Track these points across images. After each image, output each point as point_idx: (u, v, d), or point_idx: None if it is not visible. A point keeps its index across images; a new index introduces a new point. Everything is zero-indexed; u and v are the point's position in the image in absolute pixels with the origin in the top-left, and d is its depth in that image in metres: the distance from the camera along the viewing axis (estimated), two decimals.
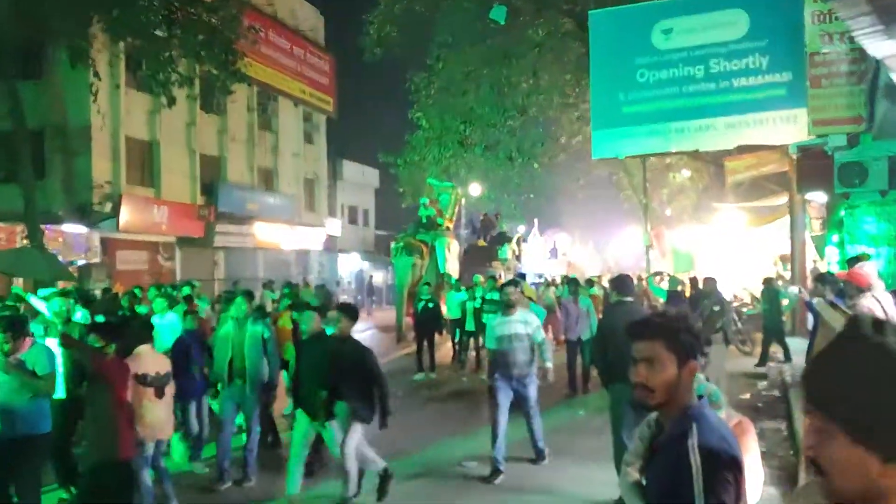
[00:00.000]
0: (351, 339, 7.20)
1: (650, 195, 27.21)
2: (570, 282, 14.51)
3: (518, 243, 30.55)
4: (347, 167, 43.98)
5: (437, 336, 15.72)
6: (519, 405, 8.44)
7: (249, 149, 32.49)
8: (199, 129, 28.86)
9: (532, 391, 8.39)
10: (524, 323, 8.42)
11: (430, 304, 15.32)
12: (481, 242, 29.52)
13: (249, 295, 8.81)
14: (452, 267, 23.17)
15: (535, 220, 38.31)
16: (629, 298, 7.45)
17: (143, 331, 7.15)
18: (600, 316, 14.87)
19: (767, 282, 15.65)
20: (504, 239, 29.24)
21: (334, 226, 40.88)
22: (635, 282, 18.59)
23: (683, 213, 33.32)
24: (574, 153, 28.25)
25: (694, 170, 30.48)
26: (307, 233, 36.59)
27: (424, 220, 23.74)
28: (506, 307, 8.55)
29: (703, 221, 28.80)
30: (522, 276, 20.06)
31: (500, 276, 26.71)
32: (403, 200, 30.63)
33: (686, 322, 2.59)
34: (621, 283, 7.56)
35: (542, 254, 37.25)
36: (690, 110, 16.12)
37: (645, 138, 16.82)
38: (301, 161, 36.99)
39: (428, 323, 15.25)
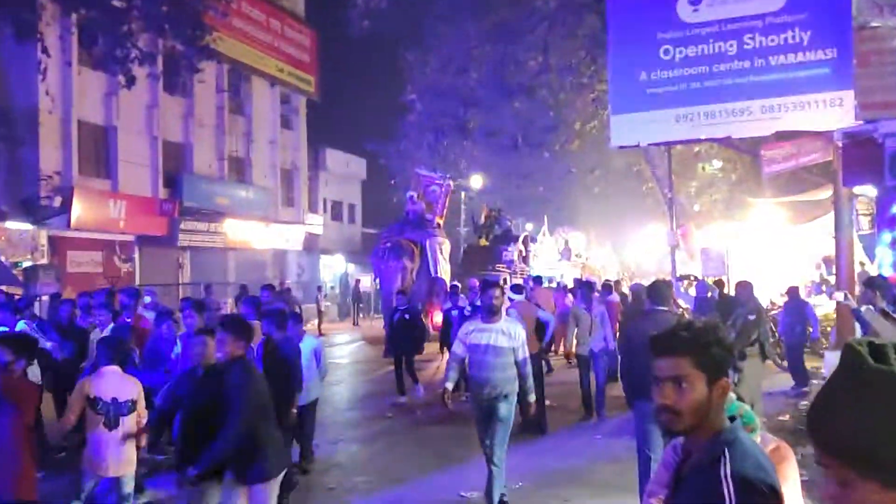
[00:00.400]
0: (237, 366, 5.76)
1: (676, 188, 27.16)
2: (583, 286, 14.43)
3: (525, 243, 30.59)
4: (331, 156, 44.01)
5: (417, 353, 15.23)
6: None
7: (219, 135, 32.51)
8: (161, 113, 28.87)
9: (504, 409, 7.66)
10: (508, 335, 7.71)
11: (407, 316, 14.77)
12: (483, 242, 29.55)
13: (199, 306, 8.78)
14: (445, 270, 23.24)
15: (545, 217, 38.31)
16: (664, 308, 7.51)
17: (111, 348, 6.87)
18: (618, 325, 14.99)
19: (792, 292, 15.76)
20: (509, 238, 29.27)
21: (316, 223, 40.88)
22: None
23: (714, 209, 33.28)
24: (589, 141, 28.26)
25: (726, 160, 30.51)
26: (285, 231, 36.61)
27: (412, 217, 23.76)
28: (488, 313, 7.75)
29: (736, 218, 28.78)
30: (538, 279, 19.74)
31: (503, 280, 26.79)
32: (395, 194, 30.74)
33: (717, 334, 2.57)
34: (656, 289, 7.71)
35: (553, 255, 37.22)
36: (722, 92, 16.14)
37: (670, 123, 16.83)
38: (278, 149, 37.00)
39: (403, 338, 14.69)
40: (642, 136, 17.74)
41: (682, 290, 18.00)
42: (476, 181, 32.19)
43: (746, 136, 17.69)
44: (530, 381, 7.83)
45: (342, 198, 46.63)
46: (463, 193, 33.18)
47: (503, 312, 8.00)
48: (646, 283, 21.22)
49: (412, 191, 25.24)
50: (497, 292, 7.81)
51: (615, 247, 57.16)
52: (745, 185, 30.11)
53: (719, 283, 18.85)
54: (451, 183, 26.08)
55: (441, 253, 23.23)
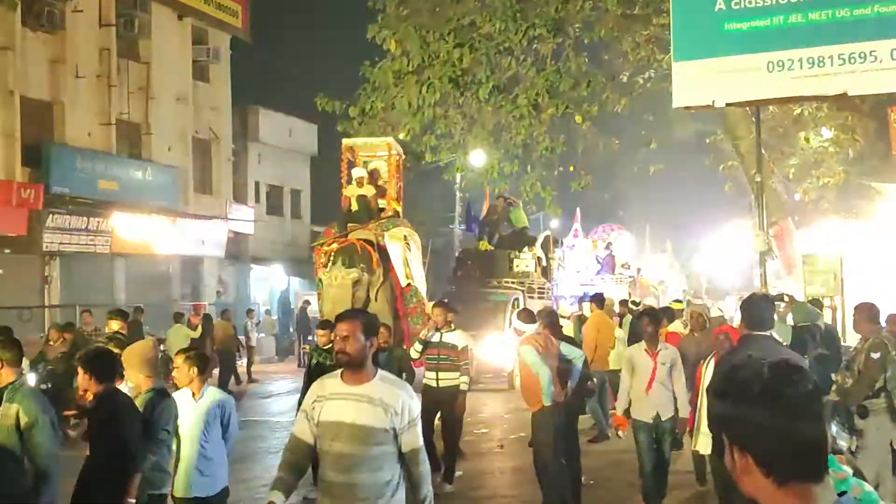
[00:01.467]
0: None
1: (768, 170, 27.10)
2: (646, 314, 14.10)
3: (546, 246, 30.48)
4: (267, 121, 43.99)
5: None
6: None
7: (103, 90, 32.44)
8: (19, 57, 28.77)
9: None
10: (382, 407, 7.34)
11: (329, 362, 13.08)
12: (484, 245, 29.40)
13: (9, 342, 8.74)
14: (418, 273, 22.83)
15: (577, 211, 38.38)
16: (765, 332, 7.81)
17: None
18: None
19: None
20: (523, 240, 29.15)
21: (244, 218, 40.83)
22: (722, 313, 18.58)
23: (823, 199, 33.34)
24: (642, 100, 28.21)
25: (840, 128, 30.48)
26: (199, 229, 36.54)
27: (357, 207, 23.39)
28: (349, 364, 6.48)
29: (854, 213, 28.82)
30: (599, 298, 19.84)
31: (514, 301, 26.65)
32: None
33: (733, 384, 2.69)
34: (753, 308, 8.14)
35: (589, 264, 37.26)
36: (835, 28, 16.15)
37: (760, 74, 16.82)
38: (190, 110, 36.96)
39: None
40: (718, 93, 17.72)
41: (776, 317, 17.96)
42: (477, 157, 32.02)
43: (870, 92, 17.69)
44: (426, 492, 6.66)
45: (283, 181, 46.61)
46: (458, 175, 33.09)
47: (372, 367, 6.58)
48: (718, 306, 21.16)
49: (348, 171, 24.89)
50: (356, 328, 6.38)
51: (679, 254, 57.32)
52: (869, 165, 30.10)
53: (815, 304, 18.92)
54: (396, 147, 25.74)
55: (409, 251, 22.84)
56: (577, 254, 37.87)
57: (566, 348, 12.19)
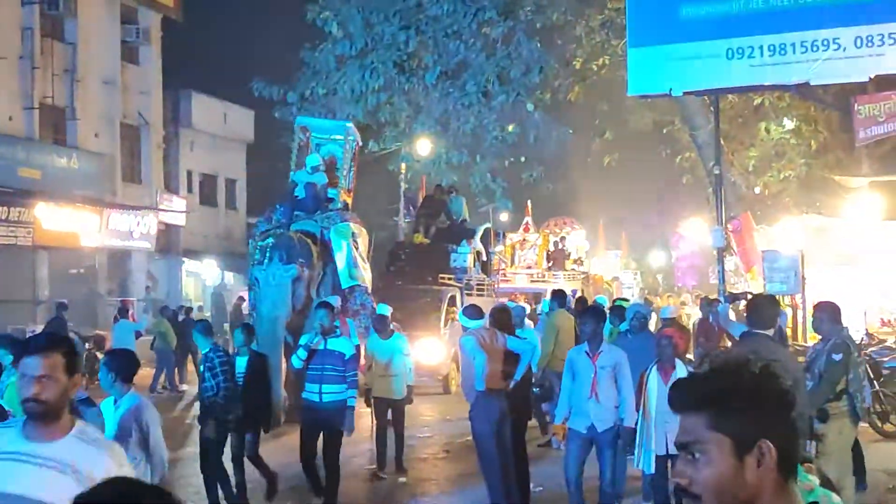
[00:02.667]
0: None
1: (727, 161, 27.25)
2: (593, 312, 14.16)
3: (486, 240, 30.06)
4: (200, 106, 43.70)
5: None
6: None
7: (24, 72, 32.12)
8: None
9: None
10: (74, 475, 7.37)
11: (257, 369, 13.29)
12: (419, 238, 29.01)
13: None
14: (364, 274, 22.43)
15: (528, 203, 38.40)
16: (766, 332, 8.35)
17: None
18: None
19: None
20: (461, 233, 28.75)
21: (175, 208, 40.58)
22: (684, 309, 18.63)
23: (783, 192, 33.57)
24: (596, 87, 28.34)
25: (802, 118, 30.75)
26: (127, 221, 36.27)
27: (304, 195, 22.78)
28: (33, 416, 6.15)
29: (817, 207, 29.06)
30: (560, 295, 19.11)
31: (450, 298, 26.32)
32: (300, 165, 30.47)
33: (743, 375, 2.64)
34: (757, 308, 8.67)
35: (538, 259, 37.30)
36: (797, 15, 16.27)
37: (719, 62, 16.92)
38: (118, 94, 36.66)
39: (255, 405, 13.24)
40: (676, 81, 17.81)
41: (730, 315, 18.03)
42: (423, 146, 31.98)
43: (833, 81, 17.84)
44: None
45: (217, 170, 46.33)
46: (403, 165, 33.04)
47: (69, 417, 5.09)
48: (669, 304, 21.26)
49: (299, 153, 24.32)
50: (57, 365, 4.92)
51: (635, 249, 57.63)
52: (831, 157, 30.40)
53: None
54: (355, 133, 25.04)
55: (356, 248, 22.29)
56: (528, 249, 37.85)
57: (514, 343, 12.18)
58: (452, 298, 26.53)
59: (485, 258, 30.15)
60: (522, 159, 30.78)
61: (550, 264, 36.46)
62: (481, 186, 30.39)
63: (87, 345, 26.23)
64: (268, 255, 20.59)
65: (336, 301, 17.50)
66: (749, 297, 19.50)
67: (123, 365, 8.45)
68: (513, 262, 37.04)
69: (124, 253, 37.09)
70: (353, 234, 22.03)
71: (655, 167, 41.59)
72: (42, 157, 32.32)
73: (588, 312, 12.31)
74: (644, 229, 58.40)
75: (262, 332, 18.93)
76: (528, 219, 38.82)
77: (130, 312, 27.75)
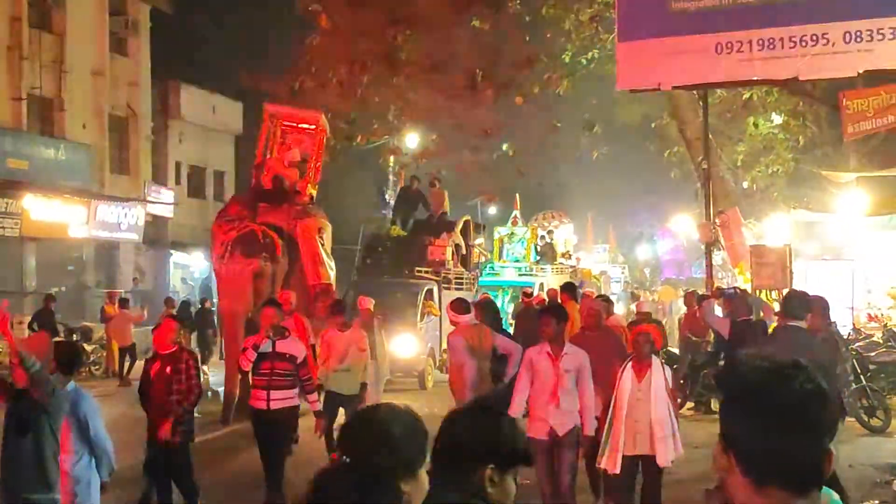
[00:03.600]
0: None
1: (714, 156, 27.25)
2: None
3: (466, 232, 29.54)
4: (188, 97, 43.59)
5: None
6: None
7: (13, 63, 32.02)
8: None
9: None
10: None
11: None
12: (396, 230, 28.48)
13: None
14: (327, 271, 21.69)
15: (517, 197, 38.37)
16: (800, 323, 8.73)
17: None
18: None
19: None
20: (440, 225, 28.21)
21: (164, 200, 40.48)
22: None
23: (771, 187, 33.62)
24: (585, 81, 28.32)
25: (790, 114, 30.77)
26: (115, 212, 36.16)
27: (272, 187, 22.15)
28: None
29: (805, 202, 29.09)
30: (570, 288, 18.61)
31: (427, 293, 25.97)
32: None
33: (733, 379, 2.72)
34: (792, 300, 9.04)
35: (526, 252, 37.24)
36: (786, 9, 16.26)
37: (707, 56, 16.92)
38: (106, 85, 36.53)
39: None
40: (664, 76, 17.82)
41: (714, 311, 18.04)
42: (411, 139, 31.97)
43: (821, 76, 17.86)
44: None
45: (205, 162, 46.24)
46: (391, 158, 32.99)
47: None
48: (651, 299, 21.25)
49: (265, 140, 23.67)
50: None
51: (622, 244, 57.66)
52: (819, 152, 30.43)
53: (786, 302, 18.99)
54: (325, 124, 24.35)
55: (322, 242, 21.21)
56: (516, 243, 37.77)
57: (503, 341, 12.21)
58: (429, 292, 26.21)
59: (464, 251, 29.69)
60: (511, 153, 30.78)
61: (539, 258, 36.38)
62: (469, 179, 30.43)
63: (74, 336, 26.17)
64: (229, 249, 19.91)
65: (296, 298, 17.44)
66: (738, 291, 19.60)
67: (66, 358, 8.48)
68: (501, 255, 36.93)
69: (112, 244, 36.96)
70: (318, 226, 21.39)
71: (644, 162, 41.58)
72: (30, 148, 32.20)
73: (548, 311, 11.57)
74: (632, 223, 58.47)
75: (226, 331, 19.19)
76: (517, 212, 38.71)
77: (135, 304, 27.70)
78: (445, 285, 27.10)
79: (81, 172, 34.26)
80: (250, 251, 19.60)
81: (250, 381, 12.10)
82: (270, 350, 11.60)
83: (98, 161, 35.67)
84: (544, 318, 10.96)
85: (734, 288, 22.25)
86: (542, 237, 37.42)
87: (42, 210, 32.06)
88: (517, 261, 36.29)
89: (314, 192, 23.27)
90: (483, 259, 33.60)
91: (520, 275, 34.17)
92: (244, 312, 19.17)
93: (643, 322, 16.21)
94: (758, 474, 2.51)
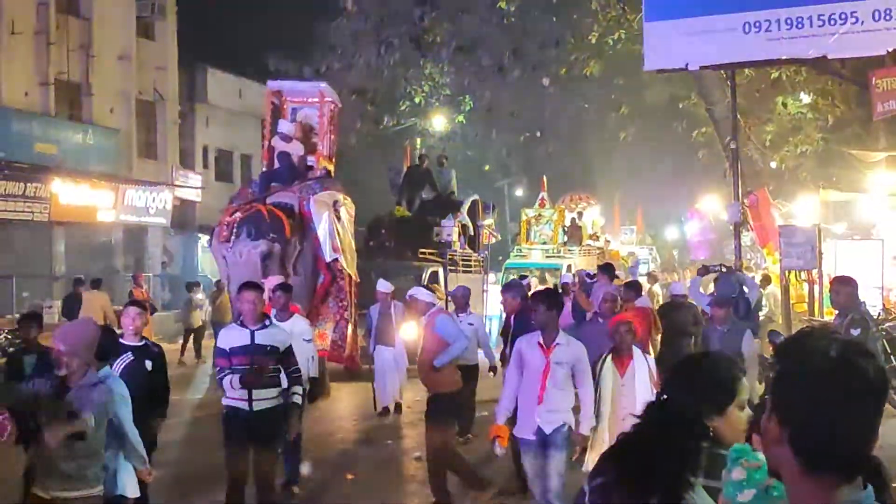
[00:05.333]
0: None
1: (744, 136, 27.16)
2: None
3: (474, 213, 28.67)
4: (215, 82, 43.63)
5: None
6: None
7: (41, 47, 32.13)
8: None
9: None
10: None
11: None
12: (400, 211, 27.67)
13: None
14: (348, 246, 20.75)
15: (544, 179, 38.27)
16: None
17: None
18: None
19: None
20: (447, 206, 27.44)
21: (191, 184, 40.56)
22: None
23: (800, 167, 33.46)
24: (612, 63, 28.26)
25: (819, 93, 30.63)
26: (143, 196, 36.30)
27: (279, 166, 21.07)
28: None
29: (834, 182, 28.93)
30: (608, 269, 17.99)
31: (431, 276, 25.30)
32: None
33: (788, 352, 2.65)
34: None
35: (552, 235, 37.14)
36: None
37: (735, 36, 16.84)
38: (133, 70, 36.64)
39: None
40: (692, 55, 17.75)
41: (700, 288, 17.94)
42: (438, 121, 31.94)
43: (850, 55, 17.75)
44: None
45: (233, 146, 46.24)
46: (418, 140, 32.96)
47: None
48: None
49: (273, 119, 22.84)
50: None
51: (651, 225, 57.48)
52: (848, 131, 30.24)
53: (765, 280, 18.93)
54: (337, 99, 23.12)
55: (339, 219, 20.28)
56: (543, 225, 37.65)
57: (445, 329, 11.64)
58: (434, 275, 24.92)
59: (472, 232, 28.60)
60: (538, 134, 30.77)
61: (566, 239, 36.25)
62: (496, 162, 30.42)
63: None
64: (234, 231, 19.15)
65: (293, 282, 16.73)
66: (724, 268, 19.59)
67: (104, 343, 8.11)
68: (528, 237, 36.79)
69: (140, 228, 37.11)
70: (334, 203, 20.41)
71: (671, 142, 41.39)
72: (58, 133, 32.35)
73: (538, 296, 10.38)
74: (660, 204, 58.22)
75: (234, 312, 16.80)
76: (544, 194, 38.56)
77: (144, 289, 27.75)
78: (452, 268, 26.02)
79: (109, 157, 34.40)
80: (257, 232, 18.85)
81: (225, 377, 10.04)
82: (249, 342, 9.84)
83: (126, 145, 35.81)
84: (533, 305, 10.08)
85: (720, 265, 22.19)
86: (572, 219, 37.34)
87: (70, 195, 32.21)
88: (544, 243, 36.19)
89: (330, 167, 22.39)
90: (493, 240, 32.39)
91: (547, 257, 33.99)
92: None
93: (680, 305, 16.19)
94: (811, 458, 2.46)
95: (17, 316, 25.15)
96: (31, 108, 31.54)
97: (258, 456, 9.96)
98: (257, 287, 10.54)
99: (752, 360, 11.84)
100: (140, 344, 10.16)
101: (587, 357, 9.58)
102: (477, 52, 26.49)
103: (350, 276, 20.35)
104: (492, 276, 29.43)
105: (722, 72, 22.97)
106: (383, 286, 16.46)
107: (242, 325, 10.02)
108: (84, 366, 7.31)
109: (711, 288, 18.41)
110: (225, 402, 10.08)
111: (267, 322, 10.13)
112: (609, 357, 9.71)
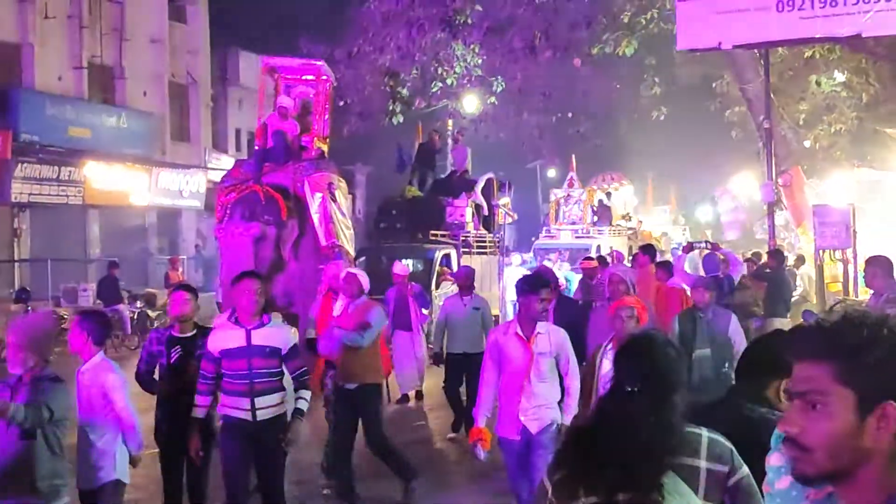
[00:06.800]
0: None
1: (777, 115, 27.01)
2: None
3: (488, 192, 27.66)
4: (247, 64, 43.63)
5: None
6: None
7: (74, 31, 32.24)
8: None
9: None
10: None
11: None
12: (412, 191, 26.81)
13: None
14: (345, 230, 19.93)
15: (573, 159, 38.08)
16: None
17: None
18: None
19: None
20: (460, 185, 26.66)
21: (224, 167, 40.65)
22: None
23: (834, 146, 33.28)
24: (645, 41, 28.12)
25: (853, 71, 30.41)
26: (177, 179, 36.43)
27: (274, 144, 20.12)
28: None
29: (869, 162, 28.75)
30: (649, 250, 17.46)
31: (444, 258, 24.37)
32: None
33: (881, 331, 2.44)
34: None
35: (582, 215, 36.97)
36: None
37: (769, 14, 16.75)
38: (165, 53, 36.74)
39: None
40: (725, 35, 17.67)
41: (686, 267, 17.58)
42: (470, 103, 31.82)
43: (885, 33, 17.62)
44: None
45: None
46: (450, 122, 32.87)
47: None
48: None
49: (265, 97, 22.34)
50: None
51: (683, 205, 57.23)
52: (883, 110, 30.04)
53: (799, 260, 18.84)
54: (333, 77, 22.49)
55: (334, 199, 19.44)
56: (572, 205, 37.49)
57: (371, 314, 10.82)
58: (446, 257, 24.05)
59: (486, 212, 27.37)
60: (570, 115, 30.68)
61: (596, 219, 36.09)
62: (528, 143, 30.34)
63: (138, 303, 26.44)
64: (228, 212, 18.43)
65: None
66: (709, 246, 19.50)
67: (100, 327, 8.08)
68: (557, 217, 36.68)
69: (174, 211, 37.27)
70: (329, 185, 19.58)
71: (705, 122, 41.20)
72: (91, 117, 32.46)
73: (520, 280, 9.26)
74: (693, 184, 57.98)
75: (224, 297, 16.94)
76: (573, 174, 38.38)
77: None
78: (465, 249, 25.03)
79: (143, 140, 34.53)
80: (251, 214, 18.03)
81: (221, 387, 8.71)
82: (245, 343, 8.43)
83: (159, 129, 35.93)
84: (526, 293, 8.73)
85: (706, 241, 22.08)
86: (601, 200, 37.20)
87: (104, 178, 32.36)
88: (573, 223, 36.05)
89: (324, 147, 21.53)
90: (509, 220, 31.02)
91: (576, 237, 33.87)
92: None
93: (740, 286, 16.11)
94: None
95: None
96: (64, 92, 31.69)
97: (265, 471, 8.82)
98: (258, 276, 9.18)
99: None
100: (191, 334, 8.96)
101: (570, 342, 8.72)
102: (508, 33, 26.32)
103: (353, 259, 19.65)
104: (517, 258, 28.94)
105: (755, 51, 22.86)
106: (400, 268, 16.05)
107: (237, 322, 8.50)
108: (34, 359, 7.10)
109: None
110: (221, 411, 8.67)
111: (266, 319, 8.56)
112: (609, 346, 8.25)
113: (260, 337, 8.40)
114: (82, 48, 32.47)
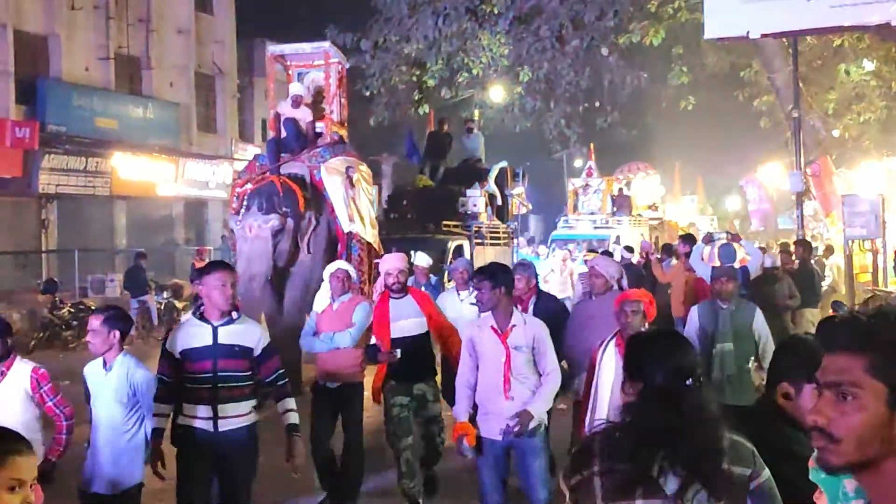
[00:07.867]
0: None
1: (806, 104, 26.89)
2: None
3: (504, 181, 27.07)
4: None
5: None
6: None
7: (100, 22, 32.35)
8: None
9: None
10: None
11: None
12: (423, 181, 26.34)
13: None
14: (367, 215, 19.56)
15: (591, 147, 37.83)
16: None
17: None
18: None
19: None
20: (473, 174, 26.16)
21: (250, 158, 40.74)
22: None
23: (863, 135, 33.12)
24: (672, 30, 28.02)
25: (882, 60, 30.27)
26: (203, 170, 36.54)
27: (286, 133, 19.69)
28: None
29: None
30: (689, 239, 17.14)
31: (456, 250, 23.87)
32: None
33: None
34: None
35: (601, 205, 36.77)
36: None
37: (796, 2, 16.67)
38: (192, 44, 36.83)
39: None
40: (753, 23, 17.58)
41: (702, 258, 17.37)
42: (496, 93, 31.77)
43: None
44: None
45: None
46: (477, 112, 32.81)
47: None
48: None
49: (276, 85, 21.96)
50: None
51: (711, 195, 57.12)
52: None
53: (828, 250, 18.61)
54: (343, 59, 21.99)
55: (352, 185, 18.92)
56: (591, 194, 37.25)
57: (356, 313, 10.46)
58: (459, 248, 23.12)
59: (500, 202, 26.78)
60: (597, 104, 30.58)
61: (615, 209, 35.88)
62: (555, 133, 30.24)
63: (164, 293, 26.50)
64: (245, 203, 17.88)
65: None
66: (728, 236, 19.28)
67: (127, 325, 7.74)
68: (575, 208, 36.50)
69: (200, 202, 37.40)
70: (347, 168, 19.12)
71: (733, 111, 41.04)
72: (118, 108, 32.60)
73: (481, 271, 8.43)
74: (721, 174, 57.85)
75: (239, 293, 15.93)
76: (591, 163, 38.12)
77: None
78: (478, 240, 24.35)
79: (169, 131, 34.66)
80: (269, 206, 17.47)
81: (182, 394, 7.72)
82: (211, 341, 7.51)
83: (185, 119, 36.08)
84: (477, 283, 8.25)
85: (727, 232, 21.98)
86: (620, 189, 37.08)
87: (131, 169, 32.50)
88: (592, 213, 35.86)
89: (342, 132, 20.93)
90: (524, 210, 30.72)
91: (595, 228, 33.70)
92: (264, 275, 17.15)
93: (773, 278, 15.97)
94: None
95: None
96: (91, 82, 31.81)
97: (227, 491, 7.74)
98: (230, 267, 8.09)
99: (770, 342, 10.04)
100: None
101: (549, 334, 8.11)
102: (534, 23, 26.24)
103: (371, 246, 19.19)
104: (527, 249, 28.82)
105: (783, 40, 22.75)
106: (422, 260, 15.69)
107: (202, 318, 7.59)
108: None
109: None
110: (180, 420, 7.65)
111: (235, 315, 7.59)
112: (612, 341, 8.01)
113: (228, 334, 7.52)
114: (109, 39, 32.59)
